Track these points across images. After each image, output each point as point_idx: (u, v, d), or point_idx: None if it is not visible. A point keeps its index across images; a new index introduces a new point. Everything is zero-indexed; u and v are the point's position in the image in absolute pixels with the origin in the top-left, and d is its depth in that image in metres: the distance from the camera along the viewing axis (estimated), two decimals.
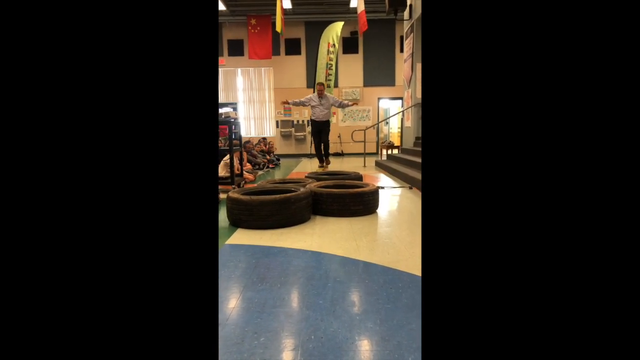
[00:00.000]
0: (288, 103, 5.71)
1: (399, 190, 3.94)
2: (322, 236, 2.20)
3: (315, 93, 5.83)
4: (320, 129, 5.82)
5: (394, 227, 2.42)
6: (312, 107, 5.75)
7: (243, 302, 1.33)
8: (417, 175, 4.26)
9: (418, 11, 6.00)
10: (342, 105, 5.87)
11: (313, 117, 5.83)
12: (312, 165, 6.91)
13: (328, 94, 5.93)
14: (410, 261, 1.75)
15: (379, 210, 2.88)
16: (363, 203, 2.70)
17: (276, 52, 10.54)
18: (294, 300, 1.36)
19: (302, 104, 5.84)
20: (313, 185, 2.96)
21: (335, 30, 9.21)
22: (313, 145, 6.11)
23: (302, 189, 2.63)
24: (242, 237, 2.20)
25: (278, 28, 7.33)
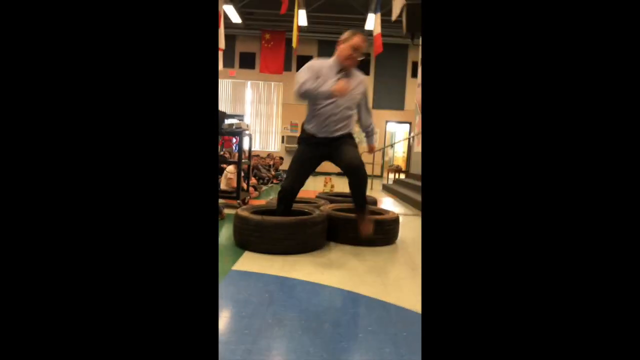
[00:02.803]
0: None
1: (412, 219, 3.70)
2: (341, 268, 1.95)
3: (332, 59, 2.07)
4: (329, 153, 2.16)
5: (418, 262, 2.17)
6: (318, 93, 1.99)
7: (259, 355, 1.07)
8: None
9: None
10: (367, 129, 2.41)
11: (309, 126, 2.15)
12: (315, 184, 6.69)
13: (359, 74, 2.16)
14: None
15: (398, 241, 2.63)
16: (383, 232, 2.46)
17: (287, 67, 10.51)
18: (322, 356, 1.10)
19: (309, 92, 1.99)
20: (328, 207, 2.73)
21: None
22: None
23: (317, 212, 2.39)
24: (251, 263, 1.95)
25: (294, 44, 7.27)
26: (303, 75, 2.02)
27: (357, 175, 2.09)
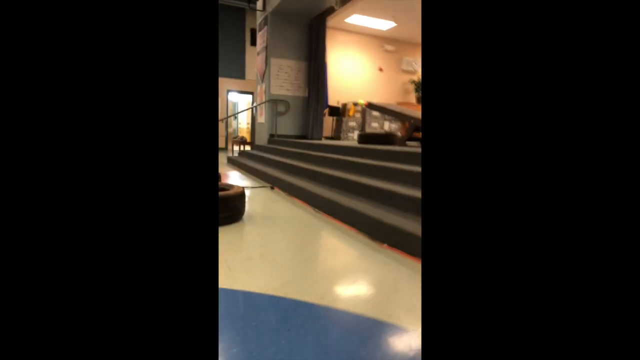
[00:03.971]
0: None
1: (260, 191, 3.63)
2: None
3: None
4: None
5: (269, 239, 2.10)
6: None
7: None
8: (276, 173, 4.05)
9: (273, 3, 5.79)
10: None
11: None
12: None
13: None
14: (300, 284, 1.46)
15: (245, 217, 2.50)
16: (228, 209, 2.26)
17: None
18: None
19: None
20: None
21: None
22: None
23: None
24: None
25: None
26: None
27: None
